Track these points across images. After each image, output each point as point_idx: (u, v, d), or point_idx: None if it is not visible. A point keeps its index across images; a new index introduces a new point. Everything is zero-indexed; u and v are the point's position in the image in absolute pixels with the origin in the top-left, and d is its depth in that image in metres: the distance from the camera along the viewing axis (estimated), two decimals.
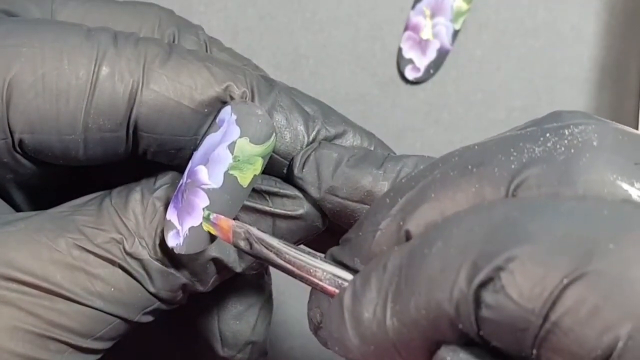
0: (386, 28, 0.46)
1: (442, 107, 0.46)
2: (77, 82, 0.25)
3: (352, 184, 0.27)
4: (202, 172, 0.26)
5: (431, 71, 0.45)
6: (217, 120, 0.26)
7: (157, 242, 0.26)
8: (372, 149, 0.29)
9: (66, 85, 0.25)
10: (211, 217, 0.26)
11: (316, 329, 0.25)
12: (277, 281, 0.34)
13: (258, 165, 0.26)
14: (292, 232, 0.28)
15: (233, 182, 0.26)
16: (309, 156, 0.27)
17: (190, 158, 0.27)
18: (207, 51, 0.30)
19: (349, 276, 0.24)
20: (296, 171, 0.27)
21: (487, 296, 0.19)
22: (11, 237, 0.25)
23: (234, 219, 0.26)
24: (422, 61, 0.45)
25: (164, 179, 0.27)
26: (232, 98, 0.27)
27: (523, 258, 0.19)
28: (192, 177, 0.26)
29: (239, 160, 0.26)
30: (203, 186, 0.26)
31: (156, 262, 0.26)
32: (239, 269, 0.28)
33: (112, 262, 0.26)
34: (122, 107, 0.26)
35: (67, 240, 0.26)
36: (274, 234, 0.28)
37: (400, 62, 0.45)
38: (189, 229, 0.26)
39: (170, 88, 0.26)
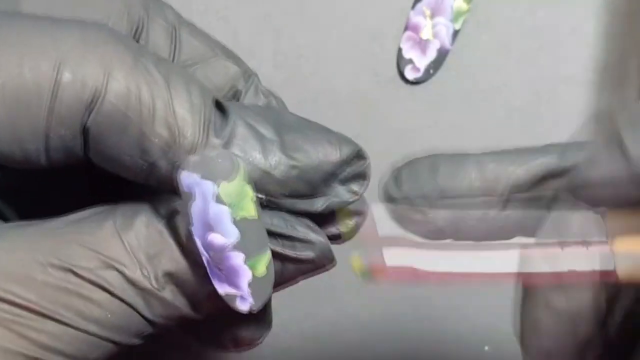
0: (386, 28, 0.46)
1: (442, 107, 0.45)
2: (37, 90, 0.24)
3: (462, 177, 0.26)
4: (216, 238, 0.25)
5: (431, 71, 0.45)
6: (184, 190, 0.25)
7: (160, 273, 0.26)
8: (337, 154, 0.27)
9: (26, 94, 0.24)
10: (366, 268, 0.25)
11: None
12: None
13: (249, 192, 0.25)
14: (300, 272, 0.27)
15: (245, 222, 0.25)
16: (399, 171, 0.27)
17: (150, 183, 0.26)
18: (176, 36, 0.29)
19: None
20: (393, 192, 0.27)
21: None
22: (3, 254, 0.25)
23: None
24: (422, 61, 0.45)
25: (172, 204, 0.26)
26: (184, 137, 0.25)
27: None
28: (211, 250, 0.25)
29: (233, 204, 0.25)
30: (227, 247, 0.25)
31: (157, 292, 0.26)
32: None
33: (111, 290, 0.25)
34: (81, 116, 0.24)
35: (63, 263, 0.25)
36: (282, 274, 0.27)
37: (400, 62, 0.45)
38: (247, 285, 0.25)
39: (129, 104, 0.25)
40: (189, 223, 0.25)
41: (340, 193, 0.28)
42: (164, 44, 0.29)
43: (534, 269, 0.22)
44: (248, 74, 0.30)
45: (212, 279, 0.26)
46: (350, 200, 0.27)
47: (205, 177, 0.25)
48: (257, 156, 0.26)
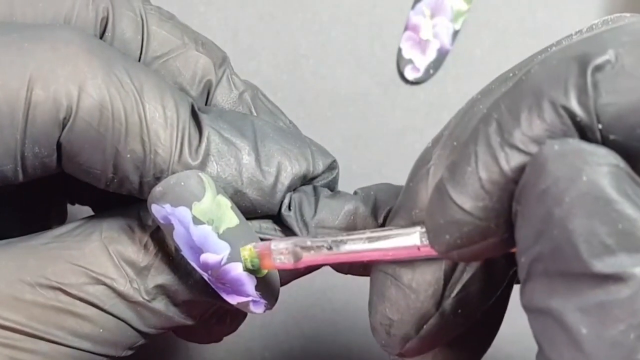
0: (386, 28, 0.46)
1: (442, 107, 0.45)
2: (9, 111, 0.23)
3: (337, 210, 0.27)
4: (209, 257, 0.25)
5: (431, 71, 0.45)
6: (161, 221, 0.25)
7: (150, 284, 0.26)
8: (311, 168, 0.28)
9: None
10: (255, 250, 0.25)
11: (387, 332, 0.24)
12: None
13: (224, 201, 0.25)
14: (294, 277, 0.27)
15: (230, 232, 0.25)
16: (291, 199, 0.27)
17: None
18: (144, 27, 0.28)
19: (415, 229, 0.23)
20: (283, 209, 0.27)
21: (604, 80, 0.18)
22: None
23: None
24: (422, 61, 0.45)
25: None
26: (157, 153, 0.25)
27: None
28: (208, 269, 0.25)
29: (212, 220, 0.25)
30: (222, 262, 0.25)
31: (148, 304, 0.26)
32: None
33: (101, 305, 0.25)
34: (55, 134, 0.24)
35: (52, 282, 0.25)
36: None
37: (400, 62, 0.45)
38: (255, 289, 0.25)
39: (102, 120, 0.24)
40: (178, 249, 0.25)
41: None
42: (132, 36, 0.28)
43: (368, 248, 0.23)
44: (219, 64, 0.29)
45: (219, 293, 0.26)
46: None
47: (175, 204, 0.24)
48: (232, 173, 0.26)
